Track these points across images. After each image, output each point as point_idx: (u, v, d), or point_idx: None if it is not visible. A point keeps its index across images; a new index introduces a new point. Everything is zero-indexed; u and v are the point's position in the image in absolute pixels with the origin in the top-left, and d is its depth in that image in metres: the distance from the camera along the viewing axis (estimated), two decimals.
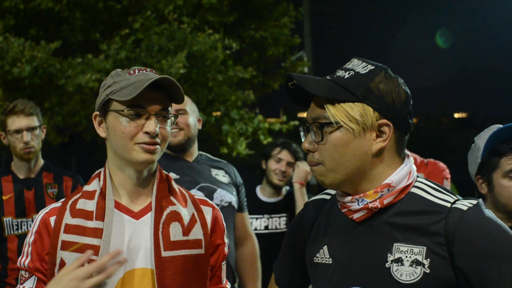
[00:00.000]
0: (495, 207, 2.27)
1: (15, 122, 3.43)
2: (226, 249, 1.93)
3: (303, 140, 1.62)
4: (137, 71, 1.79)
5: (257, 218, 4.12)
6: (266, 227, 4.09)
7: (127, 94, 1.69)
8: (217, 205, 3.16)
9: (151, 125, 1.71)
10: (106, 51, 10.38)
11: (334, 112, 1.51)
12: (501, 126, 2.37)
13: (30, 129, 3.44)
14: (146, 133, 1.71)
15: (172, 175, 3.15)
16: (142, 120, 1.73)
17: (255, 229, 4.02)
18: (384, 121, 1.52)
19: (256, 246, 3.52)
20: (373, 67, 1.56)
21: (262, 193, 4.21)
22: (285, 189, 4.25)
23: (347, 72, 1.56)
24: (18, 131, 3.43)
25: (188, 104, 3.27)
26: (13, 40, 9.99)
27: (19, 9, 10.87)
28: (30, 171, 3.56)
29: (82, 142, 17.45)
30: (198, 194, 2.00)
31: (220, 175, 3.33)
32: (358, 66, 1.57)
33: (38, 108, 3.55)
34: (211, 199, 3.16)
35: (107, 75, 1.80)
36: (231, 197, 3.28)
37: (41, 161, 3.63)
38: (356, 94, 1.51)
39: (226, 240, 1.93)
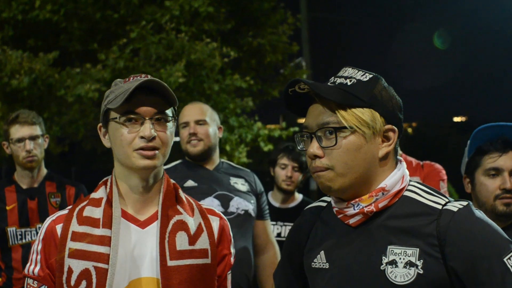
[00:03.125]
0: (477, 206, 2.27)
1: (18, 131, 3.45)
2: (232, 259, 1.92)
3: (299, 147, 1.64)
4: (132, 78, 1.80)
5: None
6: (279, 234, 4.08)
7: (117, 102, 1.71)
8: (233, 213, 3.21)
9: (146, 129, 1.71)
10: (105, 61, 10.41)
11: (346, 116, 1.54)
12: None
13: (33, 138, 3.46)
14: (142, 137, 1.72)
15: (190, 183, 3.18)
16: (138, 125, 1.73)
17: None
18: (390, 126, 1.57)
19: (278, 254, 3.52)
20: (371, 75, 1.60)
21: (274, 199, 4.21)
22: (299, 196, 4.26)
23: (348, 80, 1.59)
24: (21, 140, 3.45)
25: (208, 114, 3.33)
26: (11, 52, 10.01)
27: (17, 20, 10.91)
28: (33, 180, 3.58)
29: (81, 151, 17.47)
30: (205, 204, 2.00)
31: (239, 184, 3.37)
32: (356, 74, 1.61)
33: (41, 118, 3.58)
34: (227, 207, 3.21)
35: (106, 85, 1.84)
36: (248, 205, 3.30)
37: (44, 171, 3.64)
38: (364, 99, 1.55)
39: (232, 250, 1.93)
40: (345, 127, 1.54)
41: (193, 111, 3.32)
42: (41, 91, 10.34)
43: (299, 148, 1.65)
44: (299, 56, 15.49)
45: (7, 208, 3.50)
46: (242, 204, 3.28)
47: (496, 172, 2.25)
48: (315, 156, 1.57)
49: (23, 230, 3.49)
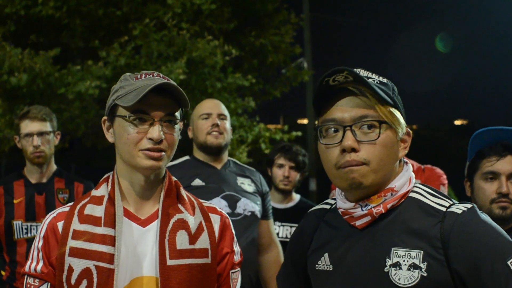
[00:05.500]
0: None
1: (28, 126, 3.49)
2: (236, 257, 1.90)
3: (321, 142, 1.58)
4: (144, 75, 1.78)
5: None
6: (277, 235, 4.07)
7: (129, 100, 1.69)
8: (240, 214, 3.21)
9: (155, 131, 1.70)
10: (106, 58, 10.39)
11: (385, 112, 1.53)
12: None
13: (41, 133, 3.50)
14: (150, 139, 1.70)
15: (198, 182, 3.18)
16: (146, 126, 1.71)
17: None
18: (408, 130, 1.60)
19: (281, 253, 3.52)
20: (386, 79, 1.61)
21: (272, 199, 4.19)
22: (297, 196, 4.27)
23: (371, 79, 1.57)
24: (29, 135, 3.49)
25: (227, 111, 3.39)
26: (9, 49, 9.96)
27: (19, 15, 10.90)
28: (41, 175, 3.60)
29: (82, 148, 17.46)
30: (206, 202, 1.98)
31: (246, 184, 3.37)
32: (373, 75, 1.59)
33: (53, 114, 3.61)
34: (235, 208, 3.21)
35: (106, 82, 1.81)
36: (254, 207, 3.30)
37: (54, 167, 3.67)
38: (393, 99, 1.56)
39: (235, 248, 1.90)
40: (385, 122, 1.53)
41: (215, 104, 3.37)
42: (41, 89, 10.31)
43: (320, 142, 1.59)
44: (301, 57, 15.48)
45: (15, 201, 3.52)
46: (249, 206, 3.28)
47: (493, 176, 2.26)
48: (352, 150, 1.52)
49: (29, 224, 3.50)
